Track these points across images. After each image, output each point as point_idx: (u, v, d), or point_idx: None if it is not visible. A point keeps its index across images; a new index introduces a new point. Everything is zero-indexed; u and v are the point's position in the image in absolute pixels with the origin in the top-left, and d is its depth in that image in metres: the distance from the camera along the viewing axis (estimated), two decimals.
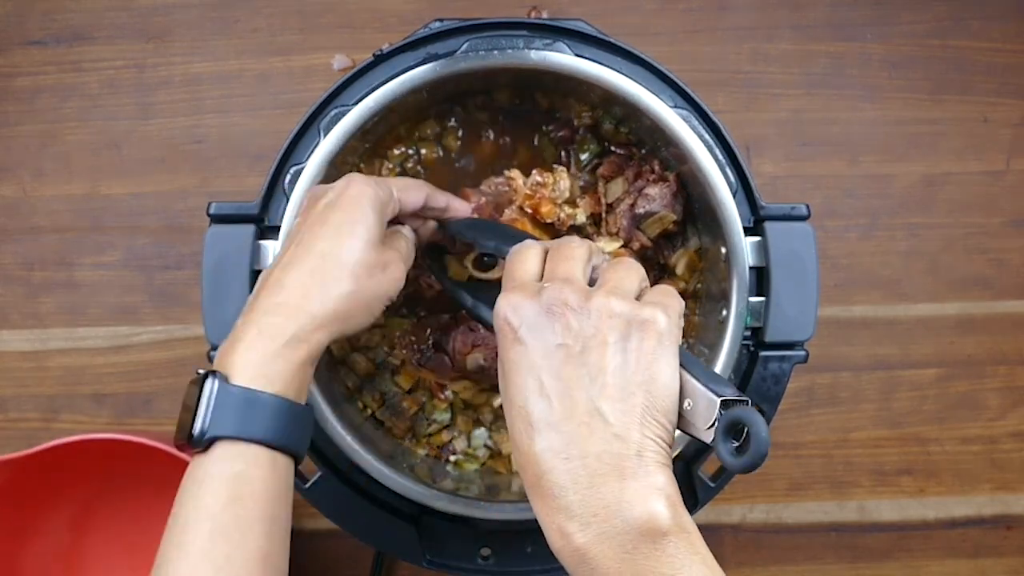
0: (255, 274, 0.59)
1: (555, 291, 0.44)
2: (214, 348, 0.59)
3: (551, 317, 0.43)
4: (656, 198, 0.62)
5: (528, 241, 0.50)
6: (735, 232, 0.59)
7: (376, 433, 0.64)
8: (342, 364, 0.66)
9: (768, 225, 0.60)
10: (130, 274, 0.76)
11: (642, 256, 0.64)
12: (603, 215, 0.65)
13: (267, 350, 0.46)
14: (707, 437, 0.42)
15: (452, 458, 0.67)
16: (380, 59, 0.61)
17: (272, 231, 0.60)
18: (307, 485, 0.61)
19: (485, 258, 0.55)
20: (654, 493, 0.41)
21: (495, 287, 0.54)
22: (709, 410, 0.42)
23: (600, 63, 0.60)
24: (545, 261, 0.48)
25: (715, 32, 0.78)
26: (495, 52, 0.60)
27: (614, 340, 0.42)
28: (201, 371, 0.46)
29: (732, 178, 0.60)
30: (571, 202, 0.65)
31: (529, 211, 0.62)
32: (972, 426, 0.78)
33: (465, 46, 0.61)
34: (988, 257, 0.79)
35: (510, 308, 0.44)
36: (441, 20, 0.61)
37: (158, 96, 0.77)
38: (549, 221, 0.63)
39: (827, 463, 0.78)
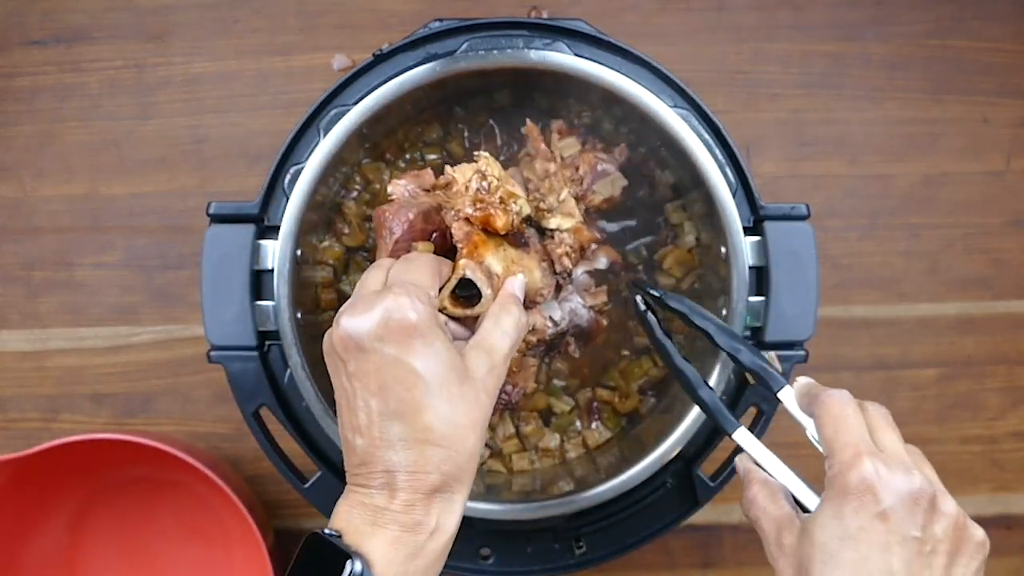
0: (255, 274, 0.59)
1: None
2: (214, 348, 0.59)
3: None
4: (608, 161, 0.63)
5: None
6: (735, 232, 0.59)
7: None
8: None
9: (768, 225, 0.60)
10: (130, 274, 0.76)
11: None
12: (556, 168, 0.61)
13: (412, 544, 0.43)
14: None
15: None
16: (380, 59, 0.61)
17: (272, 231, 0.60)
18: (307, 485, 0.61)
19: (457, 291, 0.50)
20: None
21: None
22: None
23: (600, 63, 0.60)
24: None
25: (715, 32, 0.78)
26: (495, 52, 0.60)
27: None
28: (333, 534, 0.44)
29: (732, 178, 0.60)
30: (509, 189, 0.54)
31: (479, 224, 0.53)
32: (972, 426, 0.78)
33: (465, 46, 0.61)
34: (988, 257, 0.79)
35: None
36: (441, 20, 0.61)
37: (158, 96, 0.77)
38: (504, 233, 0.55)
39: None
